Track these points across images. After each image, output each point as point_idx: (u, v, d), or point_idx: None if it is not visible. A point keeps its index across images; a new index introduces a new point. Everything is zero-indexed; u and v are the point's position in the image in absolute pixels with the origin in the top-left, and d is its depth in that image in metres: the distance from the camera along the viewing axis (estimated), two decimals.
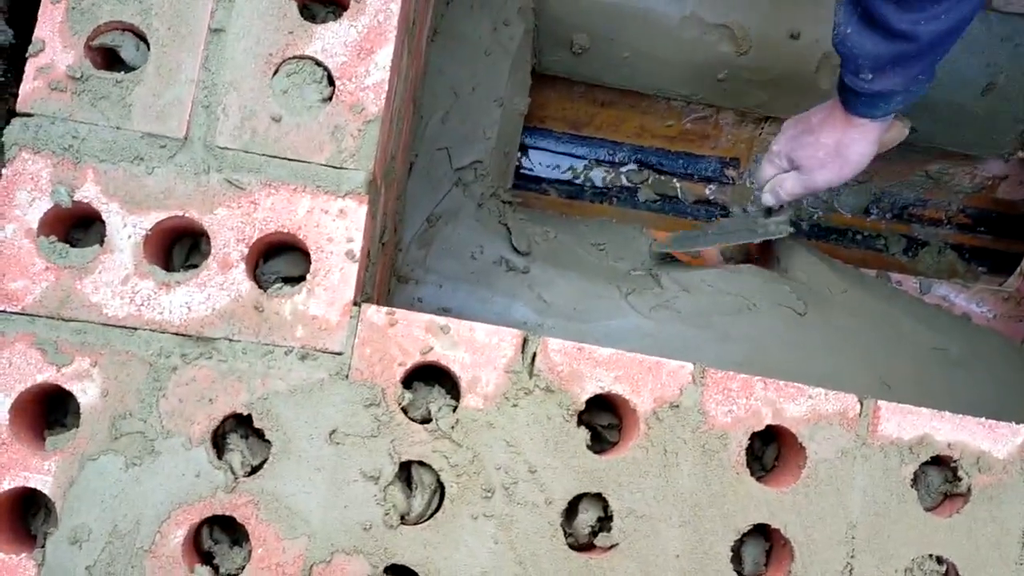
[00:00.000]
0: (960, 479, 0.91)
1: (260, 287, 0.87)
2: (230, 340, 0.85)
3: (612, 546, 0.88)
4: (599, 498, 0.89)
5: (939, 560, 0.91)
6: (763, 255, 1.65)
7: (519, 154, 1.78)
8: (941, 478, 0.94)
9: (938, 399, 1.43)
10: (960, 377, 1.47)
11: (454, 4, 1.44)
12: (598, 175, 1.84)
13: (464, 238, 1.44)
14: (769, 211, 1.51)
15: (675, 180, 1.85)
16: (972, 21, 1.07)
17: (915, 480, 0.91)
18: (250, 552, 0.83)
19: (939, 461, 0.93)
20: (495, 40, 1.47)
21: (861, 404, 0.91)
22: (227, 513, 0.84)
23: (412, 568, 0.85)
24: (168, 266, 0.91)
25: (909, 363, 1.46)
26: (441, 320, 0.87)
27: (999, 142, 1.70)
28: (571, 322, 1.43)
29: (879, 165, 1.78)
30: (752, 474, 0.91)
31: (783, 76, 1.60)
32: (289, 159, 0.87)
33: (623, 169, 1.84)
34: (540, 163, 1.83)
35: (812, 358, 1.44)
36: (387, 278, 1.29)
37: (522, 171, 1.81)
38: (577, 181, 1.83)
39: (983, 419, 0.91)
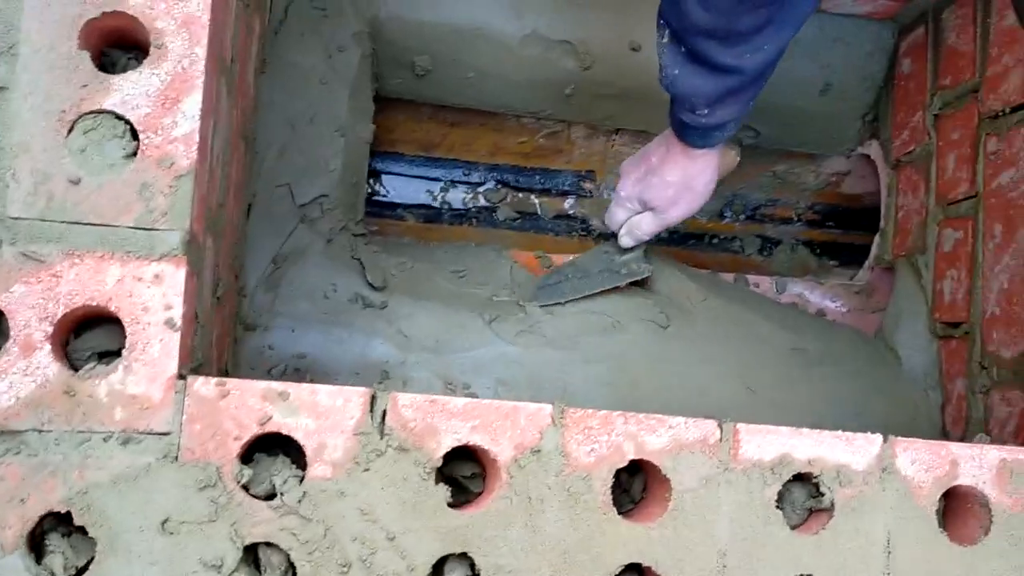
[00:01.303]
0: (823, 494, 0.91)
1: (72, 366, 0.78)
2: (39, 431, 0.76)
3: None
4: (465, 556, 0.84)
5: None
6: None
7: (371, 181, 1.72)
8: (805, 494, 0.94)
9: (801, 399, 1.45)
10: (819, 375, 1.50)
11: (283, 33, 1.37)
12: (455, 196, 1.80)
13: (314, 277, 1.37)
14: (624, 249, 1.50)
15: (533, 196, 1.84)
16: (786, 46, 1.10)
17: (780, 499, 0.91)
18: None
19: (802, 477, 0.93)
20: (330, 68, 1.41)
21: (720, 429, 0.90)
22: None
23: None
24: None
25: (770, 366, 1.48)
26: (278, 386, 0.81)
27: (840, 139, 1.75)
28: (434, 355, 1.39)
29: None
30: (621, 508, 0.88)
31: (628, 88, 1.60)
32: (93, 224, 0.78)
33: (480, 189, 1.81)
34: (394, 188, 1.77)
35: (678, 371, 1.44)
36: (231, 330, 1.21)
37: (376, 198, 1.75)
38: (434, 204, 1.79)
39: (840, 432, 0.92)
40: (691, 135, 1.24)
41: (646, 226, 1.42)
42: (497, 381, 1.38)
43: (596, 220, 1.84)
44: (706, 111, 1.16)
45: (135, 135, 0.80)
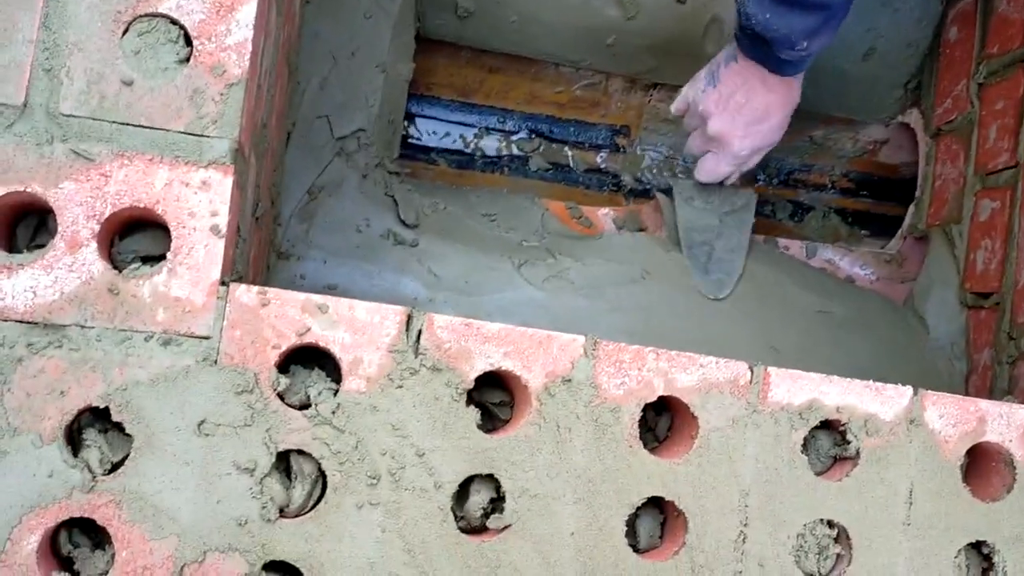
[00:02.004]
0: (849, 442, 0.91)
1: (115, 267, 0.79)
2: (82, 327, 0.77)
3: (505, 527, 0.85)
4: (491, 479, 0.85)
5: (830, 524, 0.91)
6: (653, 221, 1.64)
7: (405, 123, 1.72)
8: (831, 442, 0.95)
9: (824, 361, 1.45)
10: (845, 339, 1.50)
11: None
12: (489, 144, 1.79)
13: (348, 211, 1.38)
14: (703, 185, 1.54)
15: (567, 148, 1.83)
16: None
17: (805, 445, 0.91)
18: (113, 556, 0.77)
19: (828, 425, 0.93)
20: (375, 2, 1.40)
21: (751, 371, 0.90)
22: (86, 515, 0.76)
23: (293, 564, 0.80)
24: (11, 247, 0.82)
25: (796, 327, 1.48)
26: (318, 299, 0.82)
27: (880, 107, 1.73)
28: (462, 296, 1.39)
29: None
30: (645, 446, 0.89)
31: (671, 41, 1.59)
32: (143, 126, 0.79)
33: (514, 138, 1.80)
34: (428, 132, 1.77)
35: (703, 325, 1.44)
36: (265, 255, 1.22)
37: (409, 140, 1.75)
38: (467, 150, 1.78)
39: (870, 382, 0.92)
40: (787, 67, 1.28)
41: (725, 165, 1.44)
42: (523, 324, 1.38)
43: (627, 176, 1.83)
44: (805, 44, 1.20)
45: (188, 40, 0.81)
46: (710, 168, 1.46)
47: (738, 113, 1.37)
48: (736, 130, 1.38)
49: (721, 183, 1.52)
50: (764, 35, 1.20)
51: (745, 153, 1.42)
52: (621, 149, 1.84)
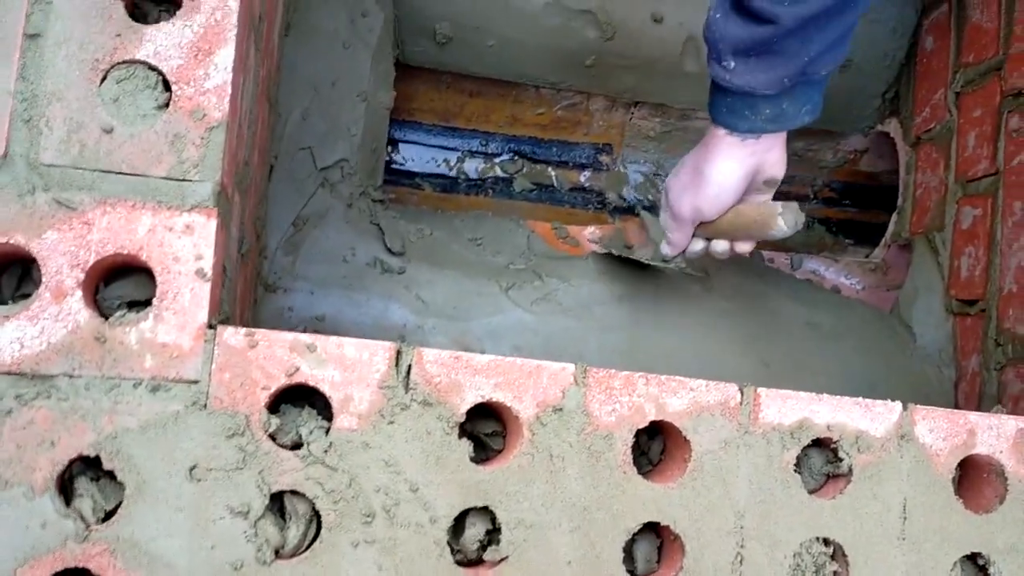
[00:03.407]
0: (841, 460, 0.92)
1: (102, 315, 0.79)
2: (70, 376, 0.77)
3: (502, 559, 0.84)
4: (486, 511, 0.85)
5: (826, 542, 0.91)
6: (638, 239, 1.65)
7: (389, 149, 1.72)
8: (823, 460, 0.95)
9: (815, 373, 1.46)
10: (834, 350, 1.51)
11: None
12: (472, 166, 1.80)
13: (334, 241, 1.38)
14: None
15: (550, 168, 1.84)
16: (845, 20, 1.01)
17: (798, 464, 0.92)
18: None
19: (820, 443, 0.94)
20: (353, 32, 1.41)
21: (741, 393, 0.90)
22: (80, 565, 0.76)
23: None
24: None
25: (785, 340, 1.49)
26: (306, 338, 0.82)
27: (859, 117, 1.75)
28: (452, 321, 1.39)
29: None
30: (639, 470, 0.89)
31: (649, 60, 1.60)
32: (125, 173, 0.79)
33: (497, 159, 1.81)
34: (412, 157, 1.77)
35: (693, 342, 1.45)
36: (252, 289, 1.21)
37: (393, 166, 1.75)
38: (451, 174, 1.79)
39: (860, 399, 0.92)
40: (719, 105, 1.11)
41: (670, 232, 1.28)
42: (513, 348, 1.39)
43: (612, 194, 1.84)
44: (732, 63, 1.04)
45: (167, 86, 0.81)
46: (670, 240, 1.30)
47: (686, 178, 1.22)
48: (681, 196, 1.22)
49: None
50: (705, 35, 1.07)
51: (684, 219, 1.24)
52: (604, 167, 1.85)
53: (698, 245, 1.29)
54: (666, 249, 1.31)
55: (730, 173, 1.16)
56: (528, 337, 1.41)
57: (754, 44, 1.02)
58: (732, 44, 1.03)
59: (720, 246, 1.27)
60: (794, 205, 1.19)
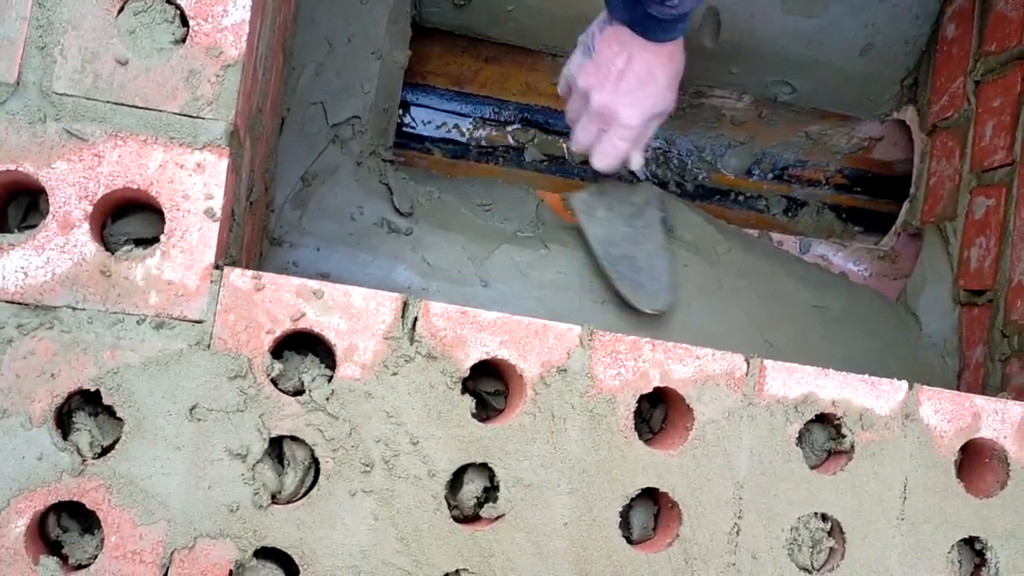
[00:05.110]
0: (844, 436, 0.91)
1: (108, 249, 0.78)
2: (73, 308, 0.76)
3: (498, 517, 0.84)
4: (485, 468, 0.85)
5: (824, 518, 0.91)
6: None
7: (400, 111, 1.71)
8: (825, 436, 0.94)
9: (818, 356, 1.45)
10: (838, 334, 1.50)
11: None
12: (484, 134, 1.78)
13: (342, 198, 1.37)
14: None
15: (561, 140, 1.82)
16: None
17: (800, 439, 0.91)
18: (103, 540, 0.76)
19: (823, 419, 0.93)
20: None
21: (747, 364, 0.90)
22: (75, 499, 0.76)
23: (285, 550, 0.79)
24: (2, 227, 0.81)
25: (790, 321, 1.48)
26: (314, 284, 0.81)
27: (876, 103, 1.73)
28: (457, 285, 1.39)
29: (760, 126, 1.80)
30: (640, 437, 0.88)
31: None
32: (138, 107, 0.78)
33: (509, 128, 1.79)
34: (423, 121, 1.76)
35: (697, 319, 1.44)
36: (258, 241, 1.20)
37: (404, 129, 1.74)
38: (462, 140, 1.77)
39: (866, 376, 0.92)
40: (655, 29, 1.17)
41: (619, 142, 1.30)
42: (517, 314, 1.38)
43: (623, 169, 1.83)
44: (676, 1, 1.10)
45: (185, 21, 0.80)
46: (605, 150, 1.32)
47: (620, 80, 1.23)
48: (621, 98, 1.24)
49: (620, 178, 1.39)
50: None
51: (636, 123, 1.27)
52: None
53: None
54: (637, 159, 1.36)
55: (678, 76, 1.28)
56: (532, 306, 1.40)
57: None
58: None
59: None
60: None
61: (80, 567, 0.76)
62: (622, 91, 1.24)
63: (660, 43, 1.20)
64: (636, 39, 1.20)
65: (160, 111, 0.78)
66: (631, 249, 1.42)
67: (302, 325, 0.80)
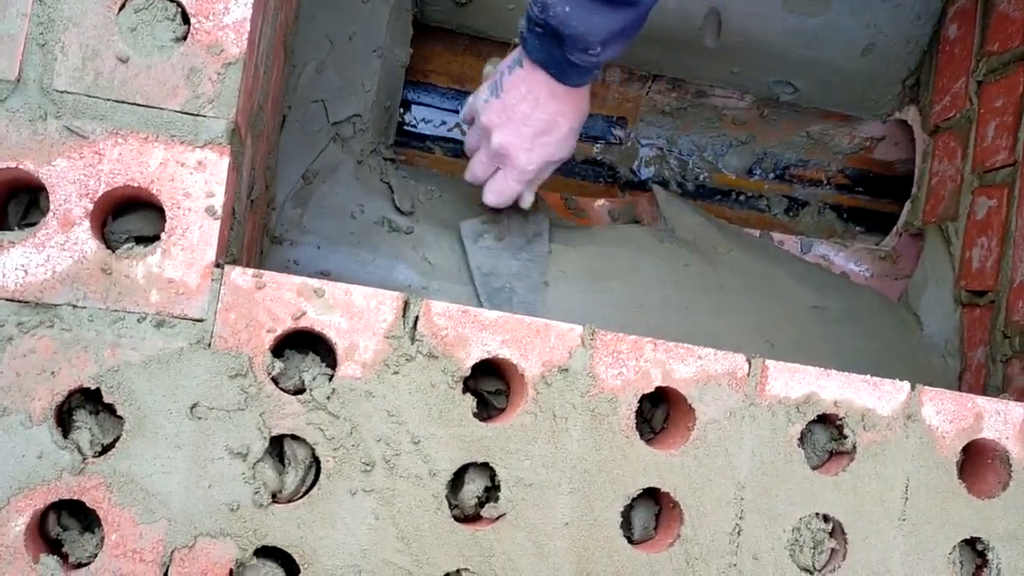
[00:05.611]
0: (846, 437, 0.91)
1: (109, 247, 0.78)
2: (74, 306, 0.76)
3: (499, 516, 0.84)
4: (486, 467, 0.85)
5: (825, 518, 0.91)
6: (648, 214, 1.63)
7: (401, 110, 1.70)
8: (827, 436, 0.94)
9: (819, 357, 1.45)
10: (839, 334, 1.49)
11: None
12: None
13: (343, 196, 1.36)
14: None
15: None
16: None
17: (802, 439, 0.91)
18: (103, 539, 0.76)
19: (825, 419, 0.93)
20: None
21: (749, 364, 0.90)
22: (75, 497, 0.75)
23: (286, 549, 0.79)
24: (2, 224, 0.81)
25: (791, 321, 1.47)
26: (314, 282, 0.81)
27: (878, 103, 1.73)
28: (457, 284, 1.38)
29: (762, 126, 1.79)
30: (641, 437, 0.88)
31: (669, 32, 1.58)
32: (139, 104, 0.78)
33: None
34: (423, 119, 1.75)
35: (697, 319, 1.44)
36: (259, 239, 1.20)
37: (405, 128, 1.73)
38: (462, 139, 1.77)
39: (868, 376, 0.91)
40: (571, 74, 1.16)
41: (513, 182, 1.29)
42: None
43: (623, 168, 1.83)
44: (599, 50, 1.08)
45: (186, 18, 0.79)
46: (498, 188, 1.31)
47: (523, 124, 1.22)
48: (522, 143, 1.24)
49: (513, 209, 1.38)
50: (559, 31, 1.07)
51: (533, 168, 1.27)
52: (618, 141, 1.83)
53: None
54: (529, 199, 1.35)
55: (580, 127, 1.27)
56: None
57: (621, 30, 1.07)
58: (602, 34, 1.06)
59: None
60: None
61: (80, 566, 0.76)
62: (524, 136, 1.24)
63: (571, 88, 1.19)
64: (546, 84, 1.18)
65: (161, 109, 0.78)
66: (511, 282, 1.40)
67: (303, 324, 0.80)
